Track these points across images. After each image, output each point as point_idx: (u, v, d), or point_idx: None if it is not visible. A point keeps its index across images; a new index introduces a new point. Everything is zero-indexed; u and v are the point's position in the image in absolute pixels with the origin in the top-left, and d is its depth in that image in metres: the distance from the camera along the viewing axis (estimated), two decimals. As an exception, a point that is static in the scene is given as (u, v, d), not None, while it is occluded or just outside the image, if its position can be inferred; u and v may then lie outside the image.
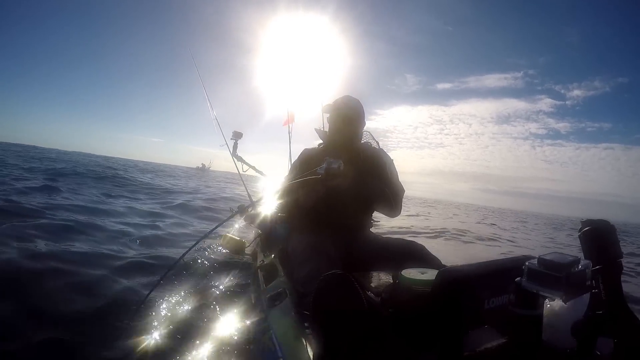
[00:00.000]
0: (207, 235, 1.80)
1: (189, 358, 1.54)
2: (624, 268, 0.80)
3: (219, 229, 1.93)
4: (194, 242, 1.84)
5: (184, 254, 1.78)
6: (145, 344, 1.60)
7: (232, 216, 1.95)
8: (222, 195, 9.67)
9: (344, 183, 1.49)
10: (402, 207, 1.68)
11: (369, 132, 1.82)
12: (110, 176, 10.66)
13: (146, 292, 1.82)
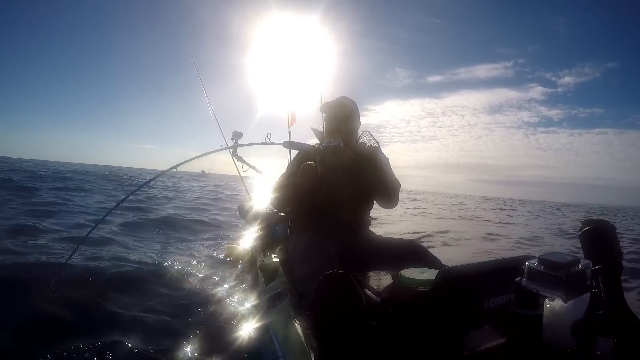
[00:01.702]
0: (125, 199, 1.96)
1: (190, 358, 1.54)
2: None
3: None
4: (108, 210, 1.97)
5: (98, 222, 1.88)
6: (145, 343, 1.60)
7: (159, 175, 2.09)
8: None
9: (343, 161, 1.54)
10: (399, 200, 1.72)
11: (369, 132, 1.82)
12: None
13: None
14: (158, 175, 3.23)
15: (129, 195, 2.43)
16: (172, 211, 6.42)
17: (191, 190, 13.67)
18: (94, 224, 2.11)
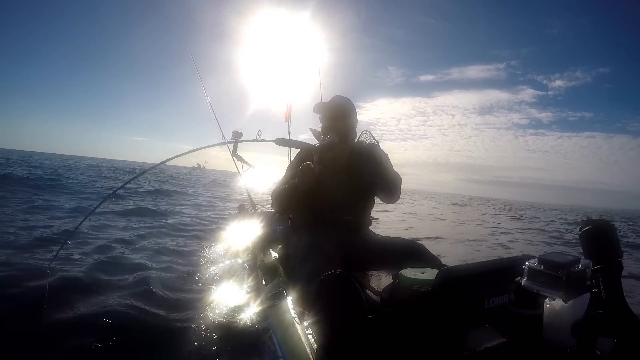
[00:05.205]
0: (114, 192, 2.09)
1: (189, 358, 1.54)
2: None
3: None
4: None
5: (86, 216, 2.07)
6: (143, 343, 1.60)
7: (148, 170, 2.22)
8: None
9: (340, 156, 1.61)
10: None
11: (369, 132, 1.82)
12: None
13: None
14: (148, 170, 3.24)
15: (117, 190, 2.54)
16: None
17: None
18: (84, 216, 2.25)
